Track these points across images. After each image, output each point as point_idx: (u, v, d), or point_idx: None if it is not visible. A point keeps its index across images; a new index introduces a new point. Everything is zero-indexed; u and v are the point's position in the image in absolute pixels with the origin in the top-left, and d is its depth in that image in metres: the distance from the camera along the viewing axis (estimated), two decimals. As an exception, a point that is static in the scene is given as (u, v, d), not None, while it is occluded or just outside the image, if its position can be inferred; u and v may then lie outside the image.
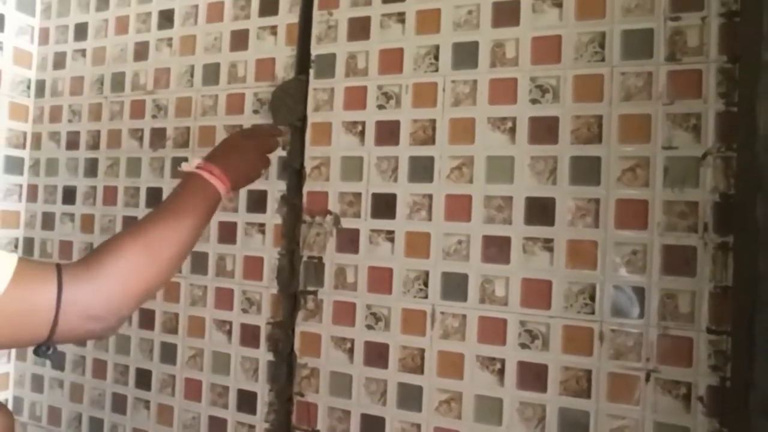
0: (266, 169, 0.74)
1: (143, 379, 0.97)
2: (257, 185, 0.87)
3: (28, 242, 1.09)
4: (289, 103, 0.86)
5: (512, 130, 0.74)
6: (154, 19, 0.99)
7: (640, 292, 0.67)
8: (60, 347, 0.47)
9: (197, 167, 0.60)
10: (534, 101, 0.73)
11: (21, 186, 1.10)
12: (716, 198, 0.65)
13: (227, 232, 0.91)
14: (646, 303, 0.67)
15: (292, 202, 0.86)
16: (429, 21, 0.79)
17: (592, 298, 0.69)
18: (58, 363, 0.58)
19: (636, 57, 0.69)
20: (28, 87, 1.11)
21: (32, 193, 1.10)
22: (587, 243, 0.70)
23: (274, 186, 0.88)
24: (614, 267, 0.68)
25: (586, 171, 0.70)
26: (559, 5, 0.73)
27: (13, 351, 1.09)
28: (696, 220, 0.66)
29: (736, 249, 0.64)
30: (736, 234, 0.64)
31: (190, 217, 0.56)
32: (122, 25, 1.03)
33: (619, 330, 0.68)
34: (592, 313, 0.69)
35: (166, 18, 0.98)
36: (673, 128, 0.67)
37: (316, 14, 0.86)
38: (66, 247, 1.05)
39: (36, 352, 0.45)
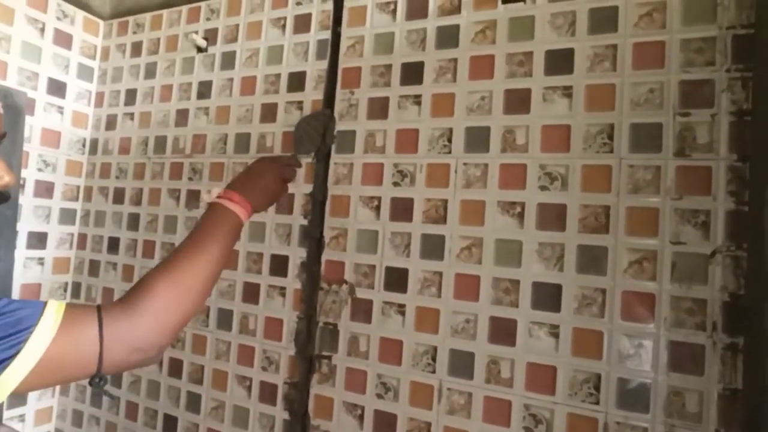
0: (285, 193, 0.78)
1: (170, 424, 1.03)
2: (280, 251, 0.93)
3: (76, 287, 1.19)
4: (312, 134, 0.91)
5: (521, 215, 0.76)
6: (194, 89, 1.08)
7: (646, 387, 0.67)
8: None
9: (218, 197, 0.66)
10: (543, 188, 0.75)
11: (72, 235, 1.20)
12: (725, 297, 0.65)
13: (251, 293, 0.96)
14: (652, 398, 0.67)
15: (311, 269, 0.91)
16: (444, 104, 0.83)
17: (597, 388, 0.69)
18: (110, 395, 0.65)
19: (644, 150, 0.70)
20: (83, 145, 1.22)
21: (81, 242, 1.20)
22: (593, 332, 0.70)
23: (295, 252, 0.93)
24: (620, 359, 0.68)
25: (593, 260, 0.71)
26: (569, 96, 0.75)
27: (58, 387, 1.18)
28: (704, 318, 0.65)
29: (746, 352, 0.63)
30: (746, 336, 0.63)
31: (215, 247, 0.61)
32: (166, 93, 1.12)
33: (624, 423, 0.68)
34: (597, 403, 0.69)
35: (205, 88, 1.07)
36: (681, 223, 0.67)
37: (339, 93, 0.91)
38: (108, 293, 1.14)
39: (90, 383, 0.50)
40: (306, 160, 0.91)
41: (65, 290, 1.19)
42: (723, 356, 0.64)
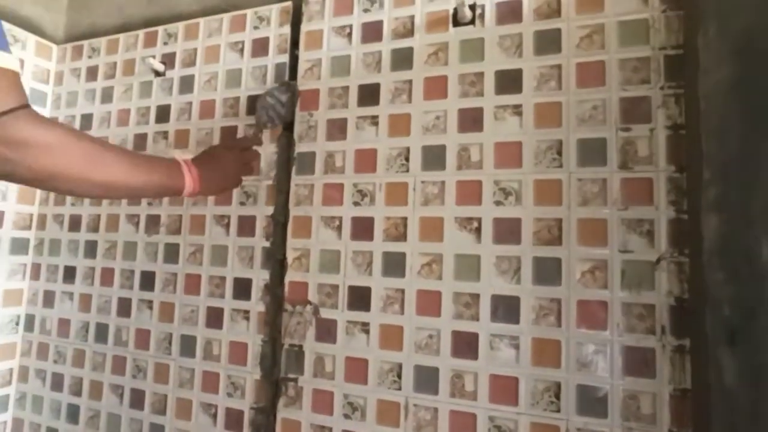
0: (252, 174, 0.85)
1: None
2: (243, 274, 0.92)
3: (30, 319, 1.14)
4: (275, 106, 0.90)
5: (478, 230, 0.78)
6: (153, 113, 1.07)
7: (603, 392, 0.69)
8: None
9: (184, 161, 0.73)
10: (498, 203, 0.77)
11: (25, 265, 1.16)
12: (672, 301, 0.68)
13: (214, 318, 0.95)
14: (610, 403, 0.69)
15: (274, 291, 0.90)
16: (400, 124, 0.85)
17: (558, 396, 0.71)
18: None
19: (591, 164, 0.73)
20: (36, 172, 1.18)
21: (35, 272, 1.16)
22: (551, 341, 0.72)
23: (258, 275, 0.92)
24: (578, 366, 0.71)
25: (548, 271, 0.73)
26: (519, 114, 0.78)
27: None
28: (653, 322, 0.68)
29: (693, 353, 0.66)
30: (692, 338, 0.67)
31: (144, 175, 0.64)
32: (124, 117, 1.10)
33: (584, 429, 0.69)
34: (558, 411, 0.71)
35: (163, 112, 1.06)
36: (628, 233, 0.71)
37: (298, 115, 0.92)
38: (64, 324, 1.10)
39: None
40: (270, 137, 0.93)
41: (17, 323, 1.14)
42: (672, 358, 0.67)
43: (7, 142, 0.52)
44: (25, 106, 0.54)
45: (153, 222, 1.04)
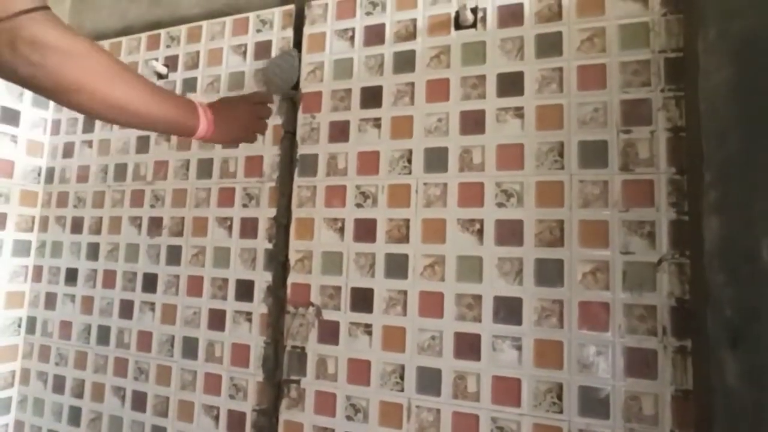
0: (263, 133, 0.87)
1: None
2: (246, 276, 0.92)
3: (31, 321, 1.15)
4: (282, 74, 0.93)
5: (480, 232, 0.78)
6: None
7: (605, 393, 0.69)
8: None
9: (200, 104, 0.71)
10: (500, 204, 0.78)
11: (27, 267, 1.16)
12: (673, 303, 0.68)
13: (217, 320, 0.95)
14: (612, 404, 0.69)
15: (276, 293, 0.91)
16: (403, 127, 0.85)
17: (560, 397, 0.71)
18: None
19: (592, 166, 0.74)
20: (39, 174, 1.19)
21: (37, 274, 1.16)
22: (553, 342, 0.72)
23: (260, 277, 0.92)
24: (580, 367, 0.71)
25: (550, 273, 0.74)
26: (521, 116, 0.78)
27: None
28: (655, 323, 0.69)
29: (694, 354, 0.67)
30: (693, 339, 0.67)
31: (161, 105, 0.62)
32: (126, 121, 1.11)
33: (587, 430, 0.70)
34: (561, 412, 0.71)
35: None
36: (629, 234, 0.71)
37: (300, 117, 0.93)
38: (66, 326, 1.10)
39: None
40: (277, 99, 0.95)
41: (19, 325, 1.14)
42: (674, 359, 0.67)
43: (31, 43, 0.48)
44: (45, 8, 0.50)
45: (155, 224, 1.04)
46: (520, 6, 0.80)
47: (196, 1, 1.09)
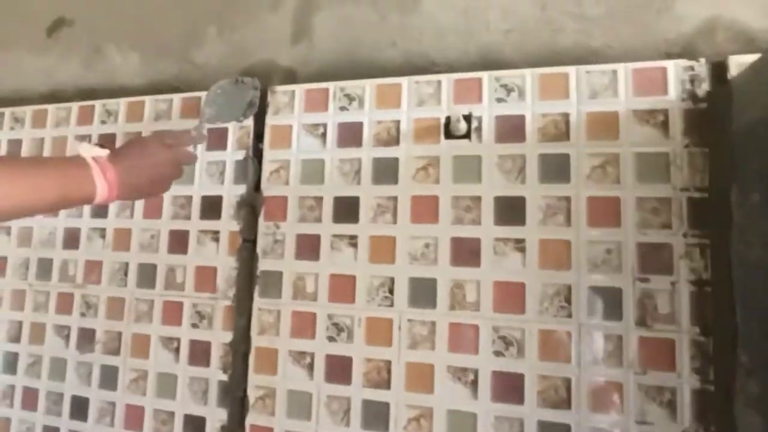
0: (178, 178, 0.64)
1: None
2: (195, 411, 0.78)
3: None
4: (230, 102, 0.73)
5: (474, 383, 0.67)
6: (88, 208, 0.90)
7: None
8: None
9: (93, 158, 0.54)
10: (497, 353, 0.67)
11: (-71, 376, 0.97)
12: (697, 487, 0.59)
13: None
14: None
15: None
16: (383, 249, 0.73)
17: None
18: None
19: (605, 318, 0.64)
20: (-56, 262, 0.99)
21: (-58, 384, 0.97)
22: None
23: (213, 414, 0.78)
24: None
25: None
26: (522, 250, 0.68)
27: None
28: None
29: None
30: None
31: (46, 192, 0.49)
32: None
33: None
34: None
35: (101, 207, 0.90)
36: (647, 402, 0.62)
37: (262, 225, 0.79)
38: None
39: None
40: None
41: None
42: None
43: None
44: None
45: (87, 337, 0.87)
46: (521, 119, 0.70)
47: (137, 69, 0.92)
